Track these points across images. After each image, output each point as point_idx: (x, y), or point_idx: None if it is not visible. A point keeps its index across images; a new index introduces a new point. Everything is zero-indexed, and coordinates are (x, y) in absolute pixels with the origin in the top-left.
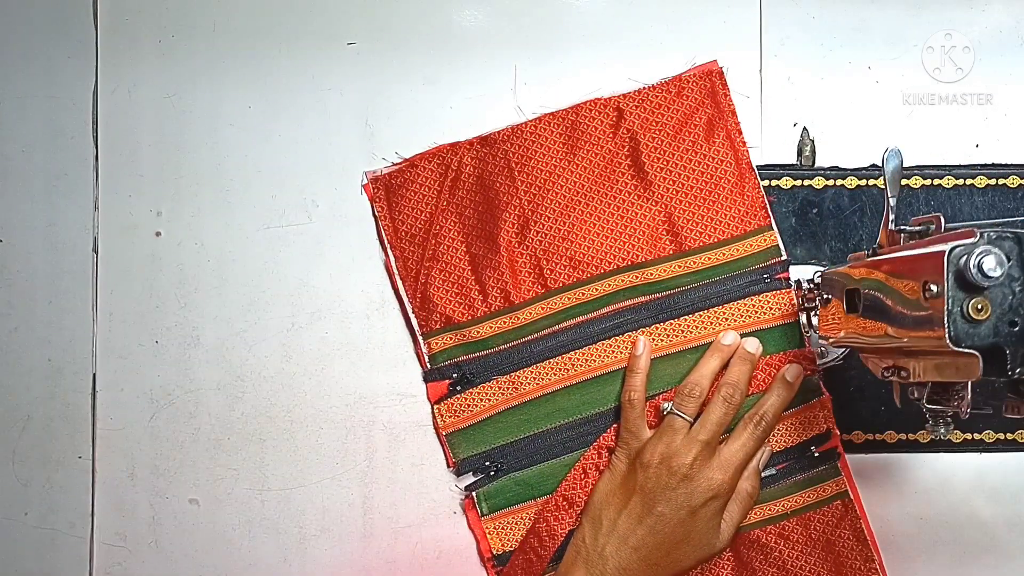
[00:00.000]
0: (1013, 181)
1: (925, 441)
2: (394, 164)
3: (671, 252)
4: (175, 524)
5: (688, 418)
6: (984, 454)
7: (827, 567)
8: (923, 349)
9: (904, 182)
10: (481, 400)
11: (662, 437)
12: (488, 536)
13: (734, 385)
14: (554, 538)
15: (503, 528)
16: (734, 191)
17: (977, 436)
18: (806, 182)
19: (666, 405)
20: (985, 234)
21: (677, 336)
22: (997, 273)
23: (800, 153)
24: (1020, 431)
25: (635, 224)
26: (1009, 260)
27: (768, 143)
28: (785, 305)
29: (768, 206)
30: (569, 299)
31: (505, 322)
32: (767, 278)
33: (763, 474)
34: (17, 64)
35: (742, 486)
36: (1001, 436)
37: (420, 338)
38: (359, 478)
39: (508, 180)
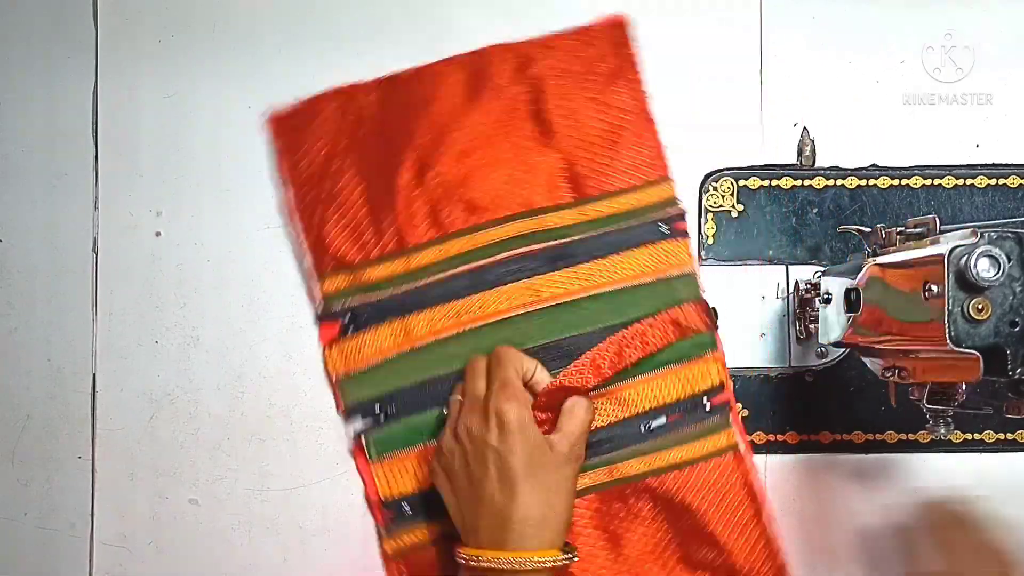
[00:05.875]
0: (1013, 181)
1: (925, 441)
2: (297, 102)
3: (570, 200)
4: (175, 524)
5: None
6: (984, 454)
7: (717, 517)
8: (923, 349)
9: (904, 182)
10: (372, 344)
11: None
12: (376, 480)
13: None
14: None
15: (391, 474)
16: (633, 141)
17: (977, 436)
18: (806, 182)
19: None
20: (986, 234)
21: (573, 283)
22: (991, 274)
23: (800, 153)
24: (1020, 431)
25: (534, 170)
26: (1009, 260)
27: (768, 143)
28: (683, 255)
29: (666, 159)
30: (464, 244)
31: (399, 265)
32: (665, 228)
33: (654, 424)
34: (17, 64)
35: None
36: (1001, 436)
37: (315, 277)
38: (359, 478)
39: (408, 121)
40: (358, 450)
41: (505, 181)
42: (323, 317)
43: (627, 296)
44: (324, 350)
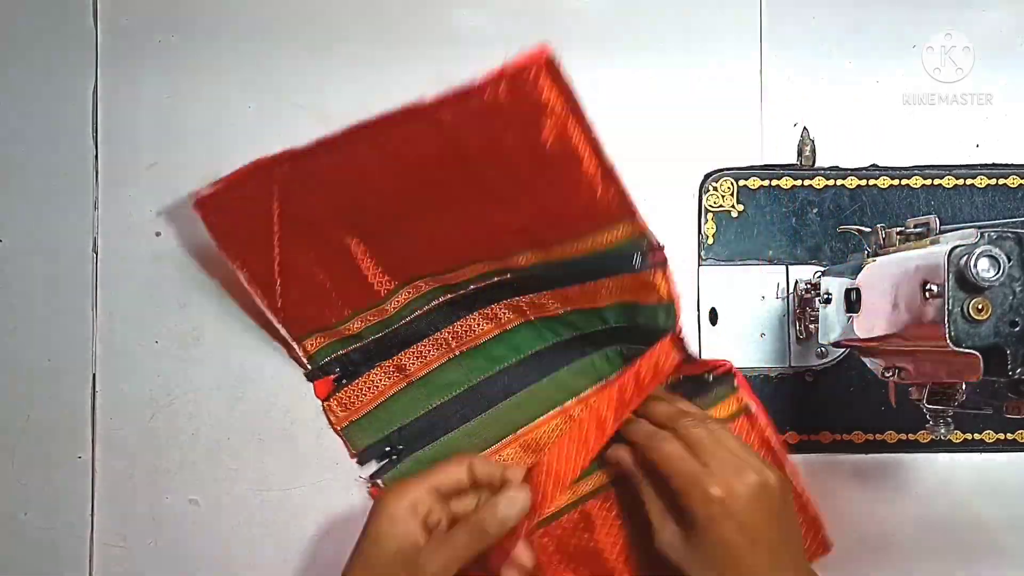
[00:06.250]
0: (1013, 181)
1: (925, 441)
2: (214, 184)
3: (527, 245)
4: (175, 524)
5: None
6: (984, 454)
7: None
8: (923, 349)
9: (904, 182)
10: (369, 388)
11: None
12: None
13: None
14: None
15: None
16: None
17: (977, 436)
18: (806, 182)
19: None
20: (986, 234)
21: (555, 302)
22: (991, 274)
23: (800, 153)
24: (1020, 431)
25: (487, 227)
26: (1009, 260)
27: (768, 143)
28: (662, 285)
29: (633, 204)
30: (432, 282)
31: (373, 316)
32: (638, 262)
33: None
34: (17, 64)
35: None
36: (1001, 436)
37: (294, 343)
38: (359, 478)
39: (333, 190)
40: (376, 493)
41: (457, 240)
42: (314, 375)
43: (608, 311)
44: (323, 404)
